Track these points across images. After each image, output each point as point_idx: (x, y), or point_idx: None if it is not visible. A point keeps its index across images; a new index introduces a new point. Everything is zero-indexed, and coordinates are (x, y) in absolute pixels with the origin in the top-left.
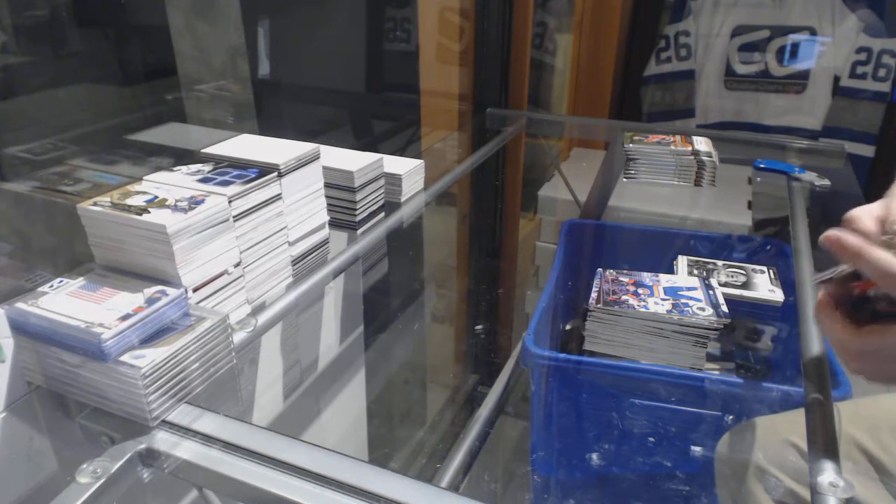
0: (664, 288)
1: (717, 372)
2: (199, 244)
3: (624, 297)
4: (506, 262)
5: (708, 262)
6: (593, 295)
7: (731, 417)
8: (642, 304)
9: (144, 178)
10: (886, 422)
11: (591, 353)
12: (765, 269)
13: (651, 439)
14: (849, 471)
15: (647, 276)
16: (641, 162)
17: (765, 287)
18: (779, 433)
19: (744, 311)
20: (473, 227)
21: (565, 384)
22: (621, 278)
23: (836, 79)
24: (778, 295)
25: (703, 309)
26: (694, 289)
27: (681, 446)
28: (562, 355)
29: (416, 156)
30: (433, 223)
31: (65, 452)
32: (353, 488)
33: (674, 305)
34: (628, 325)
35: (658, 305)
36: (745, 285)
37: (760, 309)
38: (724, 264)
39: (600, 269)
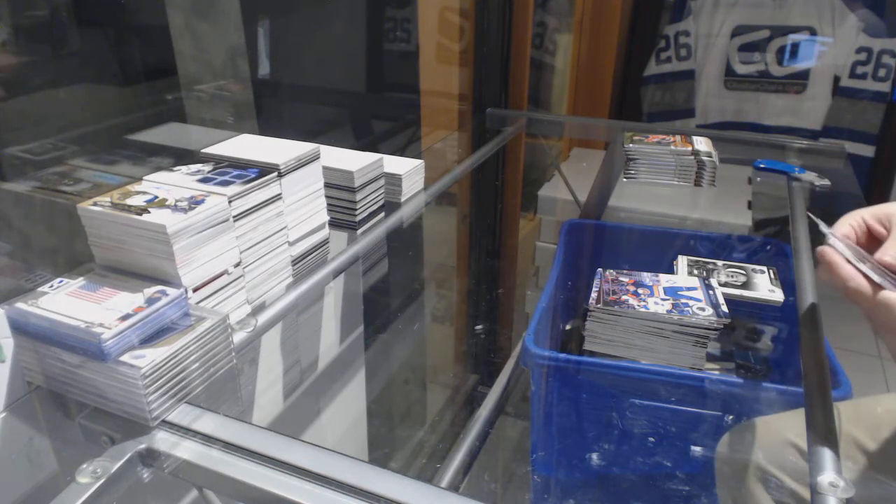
0: (664, 288)
1: (717, 372)
2: (199, 244)
3: (624, 297)
4: (506, 262)
5: (708, 262)
6: (593, 295)
7: (731, 417)
8: (642, 304)
9: (144, 178)
10: (886, 422)
11: (591, 353)
12: (765, 269)
13: (651, 439)
14: (849, 471)
15: (647, 276)
16: (641, 162)
17: (765, 287)
18: (779, 433)
19: (744, 311)
20: (473, 227)
21: (565, 384)
22: (621, 278)
23: (836, 79)
24: (778, 295)
25: (703, 309)
26: (694, 289)
27: (681, 446)
28: (562, 355)
29: (416, 156)
30: (433, 223)
31: (65, 452)
32: (353, 488)
33: (674, 305)
34: (628, 325)
35: (658, 305)
36: (745, 285)
37: (760, 309)
38: (724, 264)
39: (600, 269)
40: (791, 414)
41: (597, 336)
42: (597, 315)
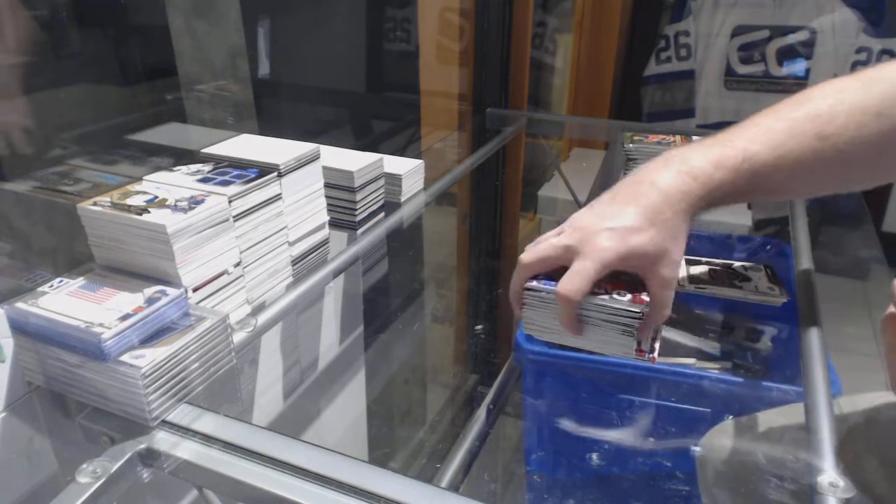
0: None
1: (716, 371)
2: (199, 244)
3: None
4: (506, 262)
5: (707, 262)
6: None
7: (730, 417)
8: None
9: (144, 178)
10: (886, 421)
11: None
12: (761, 267)
13: (651, 439)
14: (848, 471)
15: None
16: (641, 162)
17: (764, 286)
18: (767, 431)
19: (743, 311)
20: (473, 227)
21: (558, 381)
22: None
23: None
24: (778, 294)
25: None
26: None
27: (678, 445)
28: (552, 350)
29: (416, 156)
30: (433, 223)
31: (65, 452)
32: (353, 488)
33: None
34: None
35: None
36: (746, 285)
37: (760, 309)
38: (723, 264)
39: None
40: (786, 410)
41: (532, 322)
42: (529, 299)
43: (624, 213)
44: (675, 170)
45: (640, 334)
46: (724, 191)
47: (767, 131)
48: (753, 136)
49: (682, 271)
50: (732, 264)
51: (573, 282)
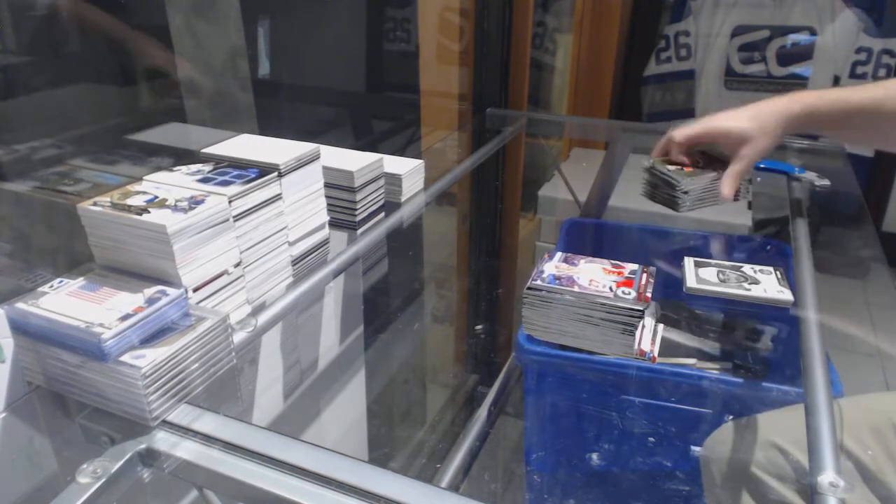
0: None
1: (716, 371)
2: (199, 244)
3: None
4: (506, 262)
5: (716, 264)
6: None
7: (730, 417)
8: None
9: (144, 178)
10: (885, 421)
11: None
12: (772, 269)
13: (651, 439)
14: (849, 471)
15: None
16: (660, 175)
17: (773, 288)
18: (769, 432)
19: (744, 312)
20: (473, 227)
21: (559, 380)
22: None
23: (836, 79)
24: (787, 296)
25: (627, 293)
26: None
27: (680, 446)
28: (554, 350)
29: (417, 156)
30: (433, 223)
31: (65, 452)
32: (353, 488)
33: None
34: (562, 311)
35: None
36: (754, 286)
37: (761, 309)
38: (731, 265)
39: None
40: (782, 412)
41: (532, 322)
42: (529, 299)
43: (741, 109)
44: (787, 97)
45: (726, 182)
46: (813, 116)
47: (842, 90)
48: (833, 91)
49: (691, 274)
50: (742, 266)
51: (683, 128)
